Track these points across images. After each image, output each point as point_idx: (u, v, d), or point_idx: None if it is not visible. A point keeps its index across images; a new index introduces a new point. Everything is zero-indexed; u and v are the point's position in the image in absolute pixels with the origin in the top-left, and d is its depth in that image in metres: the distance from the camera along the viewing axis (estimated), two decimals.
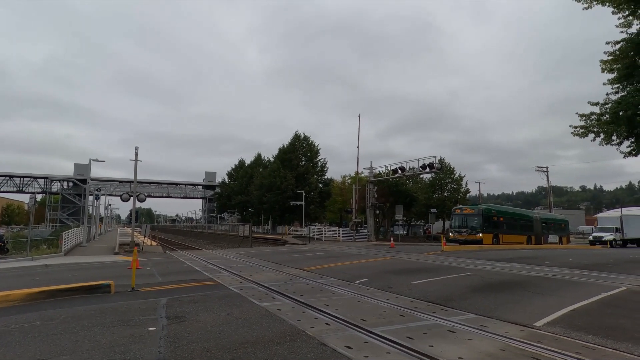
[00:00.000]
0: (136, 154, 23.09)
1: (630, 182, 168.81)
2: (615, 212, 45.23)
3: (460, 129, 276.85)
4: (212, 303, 7.34)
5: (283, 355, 4.49)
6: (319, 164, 52.69)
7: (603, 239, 36.51)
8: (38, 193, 76.89)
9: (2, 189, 75.76)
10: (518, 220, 31.90)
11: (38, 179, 78.27)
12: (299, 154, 51.84)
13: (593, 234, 40.31)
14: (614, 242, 36.01)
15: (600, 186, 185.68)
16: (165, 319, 6.06)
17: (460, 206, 31.68)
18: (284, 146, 53.06)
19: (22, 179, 76.95)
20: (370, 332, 5.38)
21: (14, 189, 77.17)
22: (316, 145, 52.98)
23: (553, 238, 34.28)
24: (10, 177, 76.13)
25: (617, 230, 37.57)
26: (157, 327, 5.62)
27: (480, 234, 26.86)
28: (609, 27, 15.99)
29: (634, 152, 15.31)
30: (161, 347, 4.72)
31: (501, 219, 29.44)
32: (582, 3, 14.55)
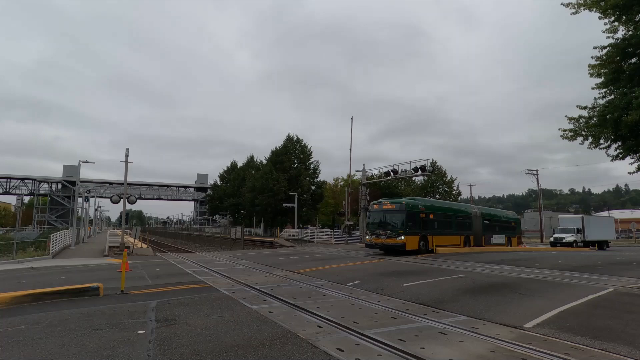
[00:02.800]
0: (127, 156, 22.84)
1: (617, 185, 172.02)
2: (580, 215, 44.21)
3: (449, 133, 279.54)
4: (202, 306, 7.27)
5: (274, 358, 4.45)
6: (312, 166, 52.62)
7: (564, 240, 35.34)
8: (25, 195, 75.58)
9: None
10: (453, 217, 25.39)
11: (26, 181, 76.92)
12: (292, 156, 51.73)
13: (554, 235, 38.54)
14: (574, 244, 34.90)
15: (589, 189, 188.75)
16: (154, 322, 5.98)
17: (379, 200, 24.09)
18: (276, 148, 52.90)
19: (9, 180, 75.53)
20: (362, 335, 5.37)
21: (1, 191, 75.71)
22: (309, 147, 52.97)
23: (499, 238, 28.81)
24: None
25: (578, 231, 36.47)
26: (146, 330, 5.54)
27: (403, 237, 20.09)
28: (595, 33, 16.32)
29: (620, 156, 15.57)
30: (150, 350, 4.65)
31: (431, 215, 22.68)
32: (570, 8, 14.81)
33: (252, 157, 68.78)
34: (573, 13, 14.93)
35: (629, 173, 16.20)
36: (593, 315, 6.80)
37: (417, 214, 21.60)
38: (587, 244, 36.57)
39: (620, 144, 15.44)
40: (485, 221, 28.09)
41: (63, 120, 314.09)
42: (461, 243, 24.79)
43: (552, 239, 38.09)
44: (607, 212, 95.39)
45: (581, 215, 41.38)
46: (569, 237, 35.60)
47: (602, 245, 38.45)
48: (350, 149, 40.94)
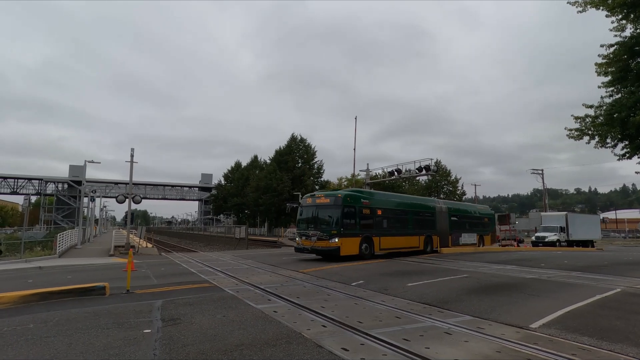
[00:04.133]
0: (132, 156, 22.97)
1: (624, 185, 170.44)
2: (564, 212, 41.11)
3: (452, 132, 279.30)
4: (207, 305, 7.30)
5: (279, 357, 4.46)
6: (315, 165, 52.66)
7: (546, 240, 33.20)
8: (32, 195, 76.27)
9: None
10: (410, 213, 20.54)
11: (32, 181, 77.61)
12: (296, 156, 51.79)
13: (536, 234, 36.40)
14: (557, 243, 32.88)
15: (595, 189, 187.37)
16: (160, 321, 6.02)
17: (312, 193, 19.44)
18: (280, 148, 53.01)
19: (16, 180, 76.25)
20: (367, 334, 5.37)
21: (8, 191, 76.43)
22: (313, 147, 52.98)
23: (469, 237, 24.97)
24: (4, 178, 75.41)
25: (562, 230, 34.57)
26: (152, 329, 5.57)
27: (337, 239, 15.78)
28: (599, 32, 16.20)
29: (628, 155, 15.44)
30: (156, 349, 4.68)
31: (379, 212, 18.24)
32: (577, 7, 14.71)
33: (256, 157, 68.96)
34: (579, 11, 14.82)
35: (636, 172, 16.07)
36: (600, 316, 6.74)
37: (358, 209, 17.06)
38: (570, 243, 34.72)
39: (627, 143, 15.31)
40: (453, 218, 23.85)
41: (68, 121, 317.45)
42: (420, 244, 20.42)
43: (533, 238, 36.08)
44: (614, 211, 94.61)
45: (565, 212, 38.68)
46: (551, 236, 33.63)
47: (586, 245, 36.51)
48: (354, 149, 40.75)
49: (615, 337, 5.41)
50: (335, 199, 16.80)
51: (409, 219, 20.24)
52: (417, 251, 20.19)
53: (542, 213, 45.13)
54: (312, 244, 16.53)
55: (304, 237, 17.16)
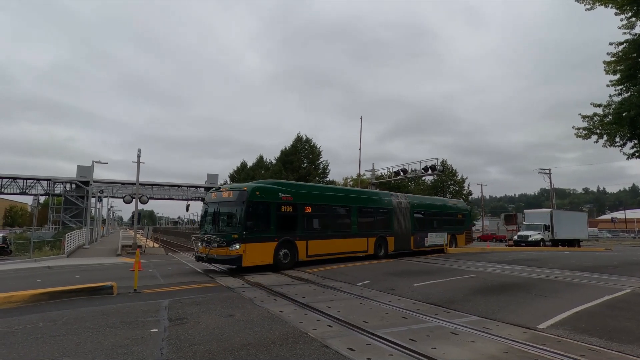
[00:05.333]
0: (138, 156, 23.14)
1: (633, 184, 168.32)
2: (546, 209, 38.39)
3: (458, 131, 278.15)
4: (214, 305, 7.34)
5: (285, 357, 4.47)
6: (321, 166, 52.63)
7: (529, 239, 30.78)
8: (41, 195, 77.13)
9: (5, 191, 75.88)
10: (354, 211, 16.59)
11: (41, 181, 78.47)
12: (301, 156, 51.82)
13: (518, 233, 33.89)
14: (541, 243, 30.70)
15: (603, 188, 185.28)
16: (167, 321, 6.06)
17: (218, 186, 16.77)
18: (285, 148, 53.06)
19: (25, 181, 77.15)
20: (373, 334, 5.36)
21: (17, 191, 77.35)
22: (318, 147, 52.99)
23: (437, 238, 21.05)
24: (14, 179, 76.36)
25: (546, 228, 32.36)
26: (159, 328, 5.61)
27: (238, 245, 12.13)
28: (606, 30, 16.03)
29: (637, 154, 15.26)
30: (163, 348, 4.72)
31: (307, 209, 14.58)
32: (585, 4, 14.55)
33: (261, 157, 69.06)
34: (588, 9, 14.67)
35: None
36: (609, 317, 6.67)
37: (274, 206, 13.39)
38: (556, 242, 32.78)
39: (636, 142, 15.13)
40: (416, 215, 20.23)
41: (75, 121, 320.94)
42: (370, 248, 16.92)
43: (515, 237, 33.45)
44: (622, 211, 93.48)
45: (550, 209, 36.24)
46: (535, 235, 31.23)
47: (572, 244, 34.58)
48: (360, 148, 40.73)
49: (625, 338, 5.34)
50: (239, 194, 12.99)
51: (353, 218, 16.52)
52: (366, 256, 16.88)
53: (526, 210, 42.37)
54: (208, 251, 12.68)
55: (203, 243, 13.16)
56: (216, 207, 13.52)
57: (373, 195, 19.59)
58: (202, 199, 14.80)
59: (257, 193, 13.09)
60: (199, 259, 13.38)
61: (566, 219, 35.68)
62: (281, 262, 13.20)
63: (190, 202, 16.30)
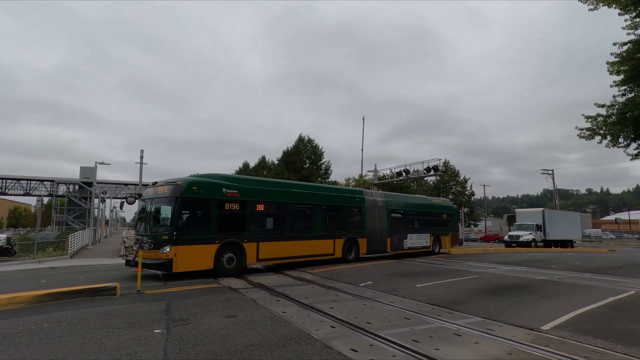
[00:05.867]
0: (141, 157, 23.25)
1: (637, 185, 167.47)
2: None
3: (461, 132, 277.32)
4: (216, 306, 7.35)
5: (288, 357, 4.48)
6: (323, 166, 52.68)
7: (520, 239, 29.96)
8: (44, 196, 77.47)
9: (9, 192, 76.37)
10: (318, 209, 15.15)
11: (45, 182, 78.85)
12: (303, 157, 51.88)
13: (509, 233, 32.91)
14: (533, 243, 29.78)
15: (607, 189, 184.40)
16: (170, 322, 6.07)
17: (155, 181, 13.56)
18: (288, 149, 53.14)
19: (29, 182, 77.53)
20: (376, 335, 5.36)
21: (21, 192, 77.76)
22: (320, 147, 53.03)
23: (418, 239, 19.40)
24: (18, 180, 76.78)
25: (538, 228, 31.45)
26: (162, 329, 5.63)
27: (168, 248, 10.87)
28: (609, 32, 15.97)
29: None
30: (167, 349, 4.73)
31: (259, 207, 13.13)
32: (588, 4, 14.51)
33: (263, 158, 69.12)
34: (591, 9, 14.63)
35: None
36: (613, 318, 6.64)
37: (215, 203, 11.85)
38: (548, 243, 31.81)
39: None
40: (394, 214, 18.57)
41: (80, 123, 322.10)
42: (337, 250, 15.24)
43: (506, 237, 32.54)
44: (626, 212, 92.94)
45: (542, 209, 35.31)
46: (526, 235, 30.33)
47: (565, 245, 33.68)
48: (362, 149, 40.75)
49: (630, 340, 5.31)
50: (173, 189, 11.45)
51: (316, 217, 14.88)
52: (333, 260, 15.12)
53: (517, 210, 40.82)
54: (135, 256, 10.90)
55: (137, 245, 11.65)
56: (150, 204, 12.09)
57: (341, 192, 18.22)
58: (139, 195, 13.19)
59: (194, 188, 11.51)
60: (127, 263, 12.03)
61: (559, 218, 34.84)
62: (224, 268, 11.64)
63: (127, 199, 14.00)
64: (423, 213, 20.57)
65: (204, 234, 11.53)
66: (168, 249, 10.86)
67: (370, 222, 17.05)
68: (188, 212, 11.46)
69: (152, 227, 11.74)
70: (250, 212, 12.77)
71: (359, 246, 16.33)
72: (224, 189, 12.23)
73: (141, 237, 11.63)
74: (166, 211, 11.22)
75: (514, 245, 29.58)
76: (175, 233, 10.93)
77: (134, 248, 11.92)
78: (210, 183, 12.14)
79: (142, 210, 12.39)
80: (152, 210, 11.94)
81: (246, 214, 12.66)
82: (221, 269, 11.63)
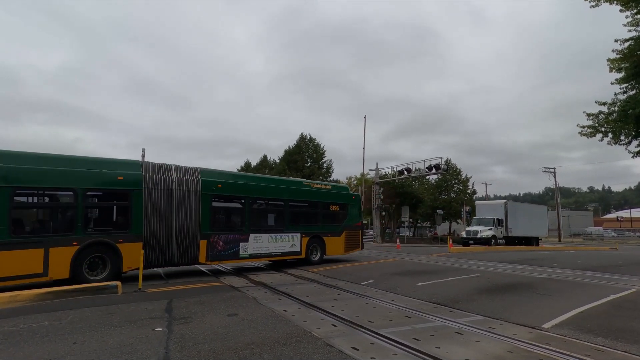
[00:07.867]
0: (143, 157, 23.24)
1: (639, 183, 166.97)
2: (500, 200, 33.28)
3: (463, 131, 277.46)
4: (218, 304, 7.36)
5: (289, 356, 4.48)
6: (325, 165, 52.66)
7: (479, 236, 25.93)
8: None
9: None
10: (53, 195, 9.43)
11: None
12: (305, 156, 51.86)
13: (467, 229, 28.90)
14: (493, 241, 26.01)
15: (609, 187, 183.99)
16: (172, 320, 6.08)
17: None
18: (289, 148, 53.13)
19: None
20: (377, 334, 5.36)
21: None
22: (322, 146, 53.00)
23: (275, 241, 13.04)
24: None
25: (499, 223, 27.67)
26: (163, 327, 5.64)
27: None
28: (611, 29, 15.92)
29: None
30: (168, 347, 4.74)
31: None
32: (589, 1, 14.44)
33: (265, 157, 69.12)
34: (592, 6, 14.56)
35: None
36: (615, 316, 6.63)
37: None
38: (511, 240, 28.05)
39: None
40: (221, 202, 12.36)
41: (83, 123, 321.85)
42: (61, 270, 8.96)
43: (463, 233, 28.72)
44: (628, 210, 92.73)
45: (504, 201, 31.11)
46: (485, 232, 26.33)
47: (530, 242, 30.25)
48: (364, 148, 40.76)
49: (631, 338, 5.30)
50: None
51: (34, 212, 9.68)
52: (44, 283, 9.11)
53: (477, 202, 36.54)
54: None
55: None
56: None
57: (84, 163, 9.67)
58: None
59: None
60: None
61: (523, 212, 31.10)
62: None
63: None
64: (288, 202, 13.88)
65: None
66: None
67: (151, 214, 10.41)
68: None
69: None
70: None
71: (123, 258, 9.80)
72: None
73: None
74: None
75: (471, 243, 25.88)
76: None
77: None
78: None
79: None
80: None
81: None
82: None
